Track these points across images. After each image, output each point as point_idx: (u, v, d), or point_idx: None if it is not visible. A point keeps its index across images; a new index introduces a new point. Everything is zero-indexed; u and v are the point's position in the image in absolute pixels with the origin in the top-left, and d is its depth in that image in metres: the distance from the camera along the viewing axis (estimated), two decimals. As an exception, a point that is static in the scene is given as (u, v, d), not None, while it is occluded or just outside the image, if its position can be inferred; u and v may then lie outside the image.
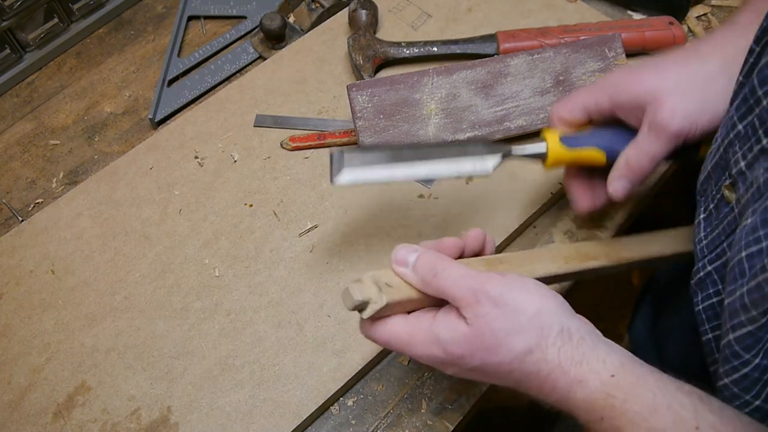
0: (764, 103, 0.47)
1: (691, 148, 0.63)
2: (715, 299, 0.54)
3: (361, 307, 0.50)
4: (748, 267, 0.44)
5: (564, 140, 0.64)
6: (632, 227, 0.83)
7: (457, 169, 0.61)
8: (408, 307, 0.52)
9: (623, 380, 0.46)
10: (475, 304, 0.48)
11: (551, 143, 0.64)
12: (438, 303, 0.52)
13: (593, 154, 0.65)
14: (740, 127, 0.50)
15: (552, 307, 0.49)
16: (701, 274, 0.55)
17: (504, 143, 0.64)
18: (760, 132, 0.47)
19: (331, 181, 0.58)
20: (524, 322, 0.48)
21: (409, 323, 0.51)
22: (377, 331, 0.52)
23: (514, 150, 0.63)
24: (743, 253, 0.45)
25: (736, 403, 0.47)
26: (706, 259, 0.54)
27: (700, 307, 0.55)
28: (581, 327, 0.49)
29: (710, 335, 0.55)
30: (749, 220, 0.45)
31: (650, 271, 1.62)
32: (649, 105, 0.60)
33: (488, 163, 0.61)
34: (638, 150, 0.61)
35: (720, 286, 0.53)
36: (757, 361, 0.44)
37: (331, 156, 0.59)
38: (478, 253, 0.59)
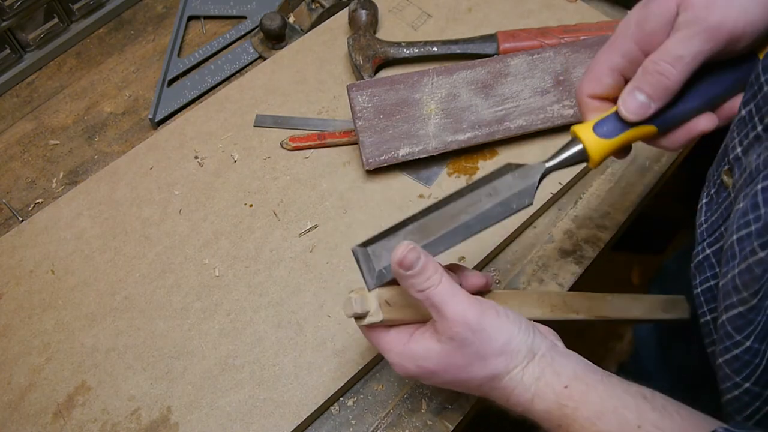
0: (766, 89, 0.47)
1: (750, 57, 0.52)
2: (712, 282, 0.54)
3: (358, 317, 0.54)
4: (739, 250, 0.45)
5: (599, 130, 0.54)
6: (632, 227, 0.83)
7: (495, 217, 0.54)
8: (400, 324, 0.55)
9: (575, 390, 0.50)
10: (453, 328, 0.50)
11: (587, 141, 0.54)
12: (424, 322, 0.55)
13: (640, 131, 0.54)
14: (743, 111, 0.50)
15: (521, 331, 0.52)
16: (700, 257, 0.55)
17: (534, 165, 0.55)
18: (756, 119, 0.48)
19: (369, 289, 0.54)
20: (496, 348, 0.51)
21: (390, 335, 0.54)
22: (368, 332, 0.56)
23: (549, 166, 0.55)
24: (734, 237, 0.46)
25: (728, 383, 0.48)
26: (705, 243, 0.55)
27: (699, 290, 0.56)
28: (542, 344, 0.53)
29: (708, 317, 0.55)
30: (741, 205, 0.46)
31: (654, 268, 1.62)
32: (680, 9, 0.50)
33: (527, 194, 0.54)
34: (660, 52, 0.50)
35: (717, 269, 0.54)
36: (748, 343, 0.45)
37: (355, 255, 0.54)
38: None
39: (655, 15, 0.51)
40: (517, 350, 0.51)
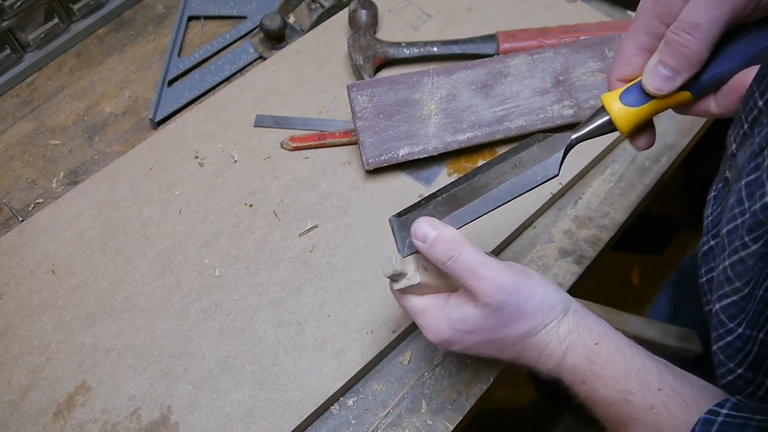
0: (751, 85, 0.47)
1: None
2: (714, 273, 0.55)
3: (396, 278, 0.55)
4: (728, 242, 0.46)
5: (627, 98, 0.52)
6: (632, 227, 0.83)
7: (521, 187, 0.55)
8: (434, 292, 0.57)
9: (604, 348, 0.53)
10: (489, 294, 0.52)
11: (613, 110, 0.52)
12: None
13: (672, 98, 0.51)
14: (740, 105, 0.51)
15: (552, 290, 0.55)
16: (705, 247, 0.57)
17: (560, 133, 0.55)
18: (743, 117, 0.49)
19: (402, 254, 0.56)
20: (532, 307, 0.53)
21: (426, 300, 0.56)
22: (401, 296, 0.58)
23: (575, 137, 0.54)
24: (724, 230, 0.47)
25: (722, 370, 0.49)
26: (709, 234, 0.56)
27: (704, 279, 0.57)
28: (574, 302, 0.56)
29: (709, 307, 0.56)
30: (731, 200, 0.47)
31: (654, 268, 1.62)
32: None
33: (552, 165, 0.54)
34: (678, 22, 0.48)
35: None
36: (740, 330, 0.47)
37: (391, 224, 0.57)
38: None
39: None
40: (553, 306, 0.54)
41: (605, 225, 0.79)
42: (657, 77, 0.49)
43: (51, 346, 0.71)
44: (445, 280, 0.57)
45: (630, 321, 0.72)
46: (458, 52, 0.89)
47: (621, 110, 0.52)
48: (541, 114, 0.80)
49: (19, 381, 0.69)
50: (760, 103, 0.46)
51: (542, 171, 0.54)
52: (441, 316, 0.55)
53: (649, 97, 0.51)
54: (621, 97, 0.52)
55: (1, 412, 0.67)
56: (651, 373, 0.51)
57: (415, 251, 0.55)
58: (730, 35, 0.49)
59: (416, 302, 0.57)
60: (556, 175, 0.54)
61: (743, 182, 0.45)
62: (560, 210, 0.80)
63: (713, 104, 0.51)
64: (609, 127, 0.53)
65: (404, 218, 0.57)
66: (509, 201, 0.55)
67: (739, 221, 0.45)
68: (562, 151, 0.54)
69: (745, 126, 0.48)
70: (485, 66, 0.81)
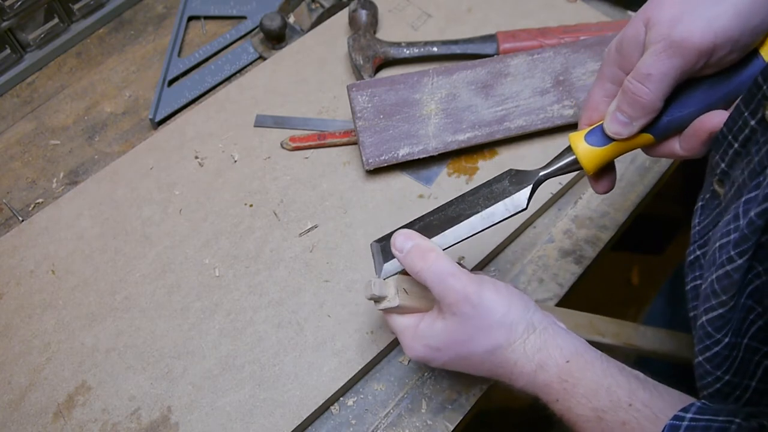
0: (733, 111, 0.49)
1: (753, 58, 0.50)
2: (700, 281, 0.56)
3: (377, 300, 0.58)
4: (718, 256, 0.47)
5: (591, 138, 0.55)
6: (632, 227, 0.83)
7: (491, 219, 0.57)
8: (415, 312, 0.59)
9: (575, 366, 0.53)
10: (455, 304, 0.54)
11: (578, 149, 0.56)
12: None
13: (634, 140, 0.54)
14: (723, 127, 0.51)
15: (519, 305, 0.55)
16: (691, 257, 0.57)
17: (530, 171, 0.58)
18: (730, 137, 0.49)
19: (380, 277, 0.59)
20: (495, 321, 0.54)
21: (404, 319, 0.59)
22: (386, 315, 0.60)
23: (543, 174, 0.58)
24: (717, 244, 0.48)
25: (709, 378, 0.50)
26: (696, 244, 0.57)
27: (689, 287, 0.57)
28: (544, 319, 0.56)
29: (694, 313, 0.57)
30: (728, 216, 0.48)
31: (654, 269, 1.62)
32: (647, 29, 0.51)
33: (520, 199, 0.57)
34: (633, 72, 0.51)
35: (705, 271, 0.55)
36: (726, 339, 0.48)
37: (372, 249, 0.61)
38: None
39: (628, 37, 0.52)
40: (516, 323, 0.55)
41: (605, 225, 0.79)
42: (615, 122, 0.53)
43: (51, 346, 0.71)
44: (426, 302, 0.58)
45: (646, 334, 0.69)
46: (458, 52, 0.89)
47: (586, 150, 0.55)
48: (541, 114, 0.80)
49: (19, 381, 0.69)
50: (752, 123, 0.47)
51: (511, 204, 0.57)
52: (415, 335, 0.57)
53: (611, 138, 0.54)
54: (586, 137, 0.55)
55: (1, 412, 0.67)
56: (622, 388, 0.52)
57: (393, 275, 0.58)
58: (687, 85, 0.52)
59: (398, 321, 0.59)
60: (525, 209, 0.57)
61: (743, 199, 0.46)
62: (560, 210, 0.80)
63: (678, 146, 0.54)
64: (575, 165, 0.56)
65: (384, 244, 0.59)
66: (480, 231, 0.58)
67: (731, 237, 0.46)
68: (531, 186, 0.57)
69: (736, 145, 0.49)
70: (485, 66, 0.81)
